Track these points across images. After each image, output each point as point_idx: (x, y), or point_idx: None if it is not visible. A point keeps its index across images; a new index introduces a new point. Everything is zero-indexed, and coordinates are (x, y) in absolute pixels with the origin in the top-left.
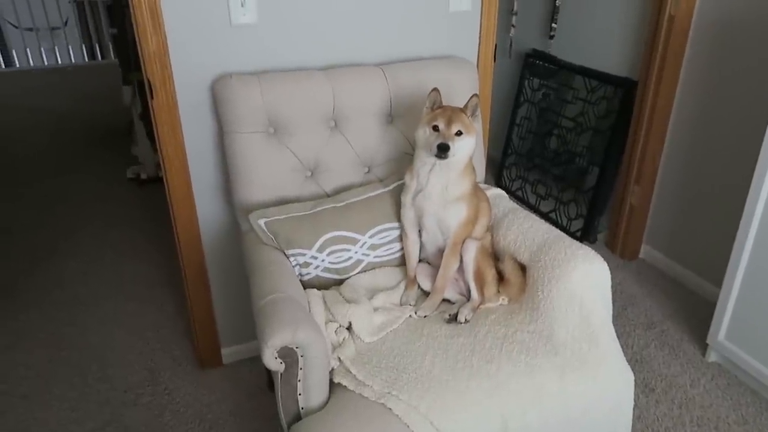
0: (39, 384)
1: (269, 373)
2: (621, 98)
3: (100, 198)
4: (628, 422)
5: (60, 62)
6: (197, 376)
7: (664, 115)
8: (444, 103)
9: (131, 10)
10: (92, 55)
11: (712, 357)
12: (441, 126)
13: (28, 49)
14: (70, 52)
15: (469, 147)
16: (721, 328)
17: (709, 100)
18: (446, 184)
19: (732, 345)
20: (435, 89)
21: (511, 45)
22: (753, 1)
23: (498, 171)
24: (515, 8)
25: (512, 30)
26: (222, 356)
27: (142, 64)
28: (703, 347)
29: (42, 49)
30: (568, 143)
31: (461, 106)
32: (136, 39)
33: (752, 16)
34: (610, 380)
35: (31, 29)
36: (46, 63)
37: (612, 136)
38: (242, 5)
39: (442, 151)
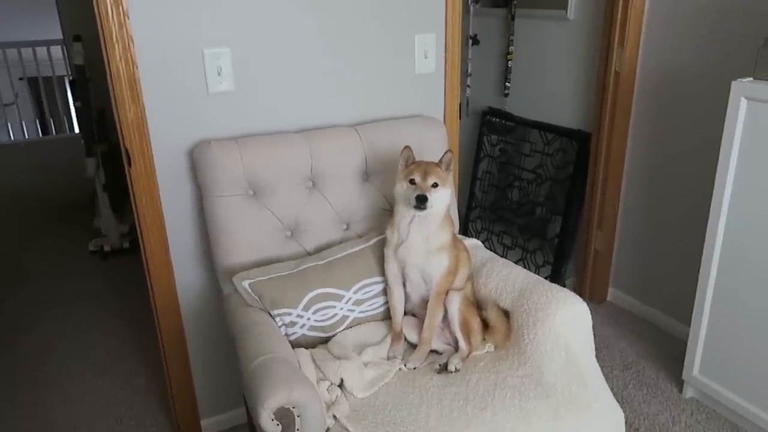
0: None
1: None
2: (577, 149)
3: (61, 273)
4: None
5: (13, 138)
6: None
7: (619, 163)
8: (416, 159)
9: (109, 82)
10: (45, 130)
11: (689, 393)
12: (417, 179)
13: None
14: (23, 128)
15: (446, 198)
16: (695, 363)
17: (660, 147)
18: (427, 235)
19: (706, 379)
20: (407, 147)
21: (467, 104)
22: (689, 57)
23: (464, 224)
24: (469, 69)
25: (468, 90)
26: (201, 427)
27: (119, 133)
28: (680, 384)
29: None
30: (529, 194)
31: (435, 161)
32: (114, 109)
33: (691, 69)
34: (601, 419)
35: None
36: None
37: (571, 185)
38: (219, 74)
39: (421, 202)
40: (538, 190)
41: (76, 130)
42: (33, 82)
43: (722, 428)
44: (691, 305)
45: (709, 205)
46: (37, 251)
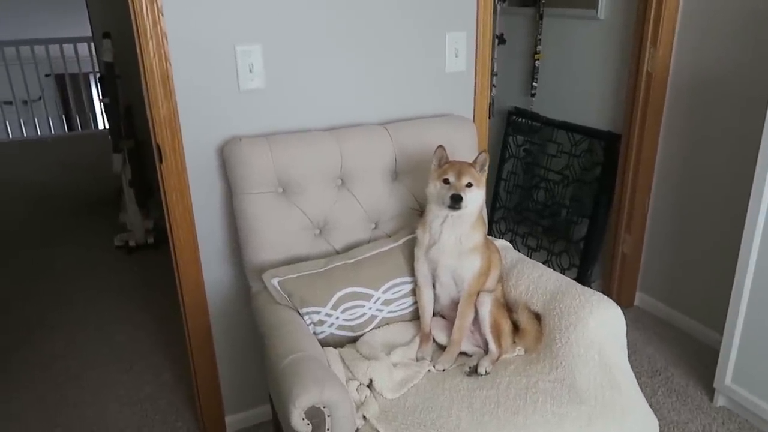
0: None
1: None
2: (605, 150)
3: (87, 267)
4: None
5: (39, 134)
6: None
7: (649, 164)
8: (449, 159)
9: (143, 79)
10: (71, 126)
11: (719, 401)
12: (452, 179)
13: (7, 122)
14: (49, 124)
15: (480, 199)
16: (727, 372)
17: (693, 149)
18: (459, 236)
19: (739, 388)
20: (440, 146)
21: (492, 104)
22: (723, 57)
23: (488, 225)
24: (495, 69)
25: (493, 90)
26: (226, 424)
27: (151, 129)
28: (710, 392)
29: (21, 121)
30: (555, 195)
31: (469, 161)
32: (147, 105)
33: (724, 70)
34: (635, 426)
35: (9, 102)
36: (25, 135)
37: (599, 187)
38: (250, 71)
39: (455, 201)
40: (564, 191)
41: (101, 126)
42: (59, 79)
43: None
44: (722, 311)
45: (745, 210)
46: (63, 245)
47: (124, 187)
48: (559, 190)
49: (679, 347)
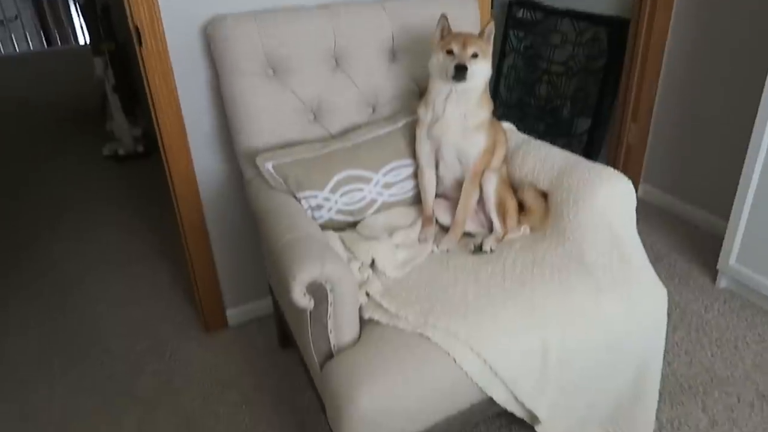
0: (38, 366)
1: (280, 330)
2: (611, 37)
3: (78, 179)
4: (662, 341)
5: (18, 51)
6: (204, 339)
7: (658, 51)
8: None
9: None
10: (50, 42)
11: (722, 283)
12: (456, 49)
13: None
14: (28, 41)
15: (486, 71)
16: (732, 252)
17: (705, 32)
18: (464, 112)
19: (743, 267)
20: (443, 16)
21: None
22: None
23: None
24: None
25: None
26: (227, 318)
27: (128, 10)
28: (712, 275)
29: None
30: (558, 88)
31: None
32: None
33: None
34: (644, 297)
35: None
36: (2, 52)
37: (604, 76)
38: None
39: (460, 72)
40: (567, 84)
41: (81, 41)
42: None
43: (757, 315)
44: (728, 198)
45: (758, 95)
46: (52, 158)
47: (108, 94)
48: (562, 83)
49: (683, 235)
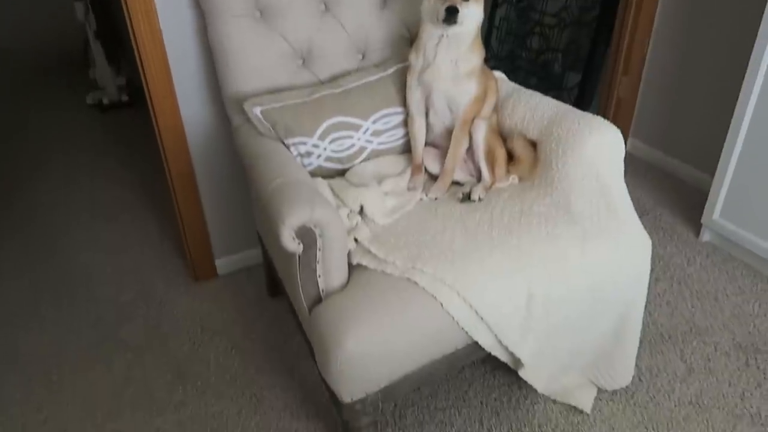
0: (26, 309)
1: (269, 279)
2: None
3: (61, 127)
4: (644, 290)
5: None
6: (192, 288)
7: (652, 2)
8: None
9: None
10: None
11: (705, 237)
12: None
13: None
14: None
15: (478, 15)
16: (717, 206)
17: None
18: (455, 58)
19: (727, 222)
20: None
21: None
22: None
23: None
24: None
25: None
26: (216, 267)
27: None
28: (697, 229)
29: None
30: (550, 41)
31: None
32: None
33: None
34: (629, 246)
35: None
36: None
37: (597, 27)
38: None
39: (451, 14)
40: (560, 36)
41: None
42: None
43: (737, 268)
44: (715, 153)
45: (747, 52)
46: (34, 106)
47: (90, 40)
48: (555, 35)
49: (669, 190)
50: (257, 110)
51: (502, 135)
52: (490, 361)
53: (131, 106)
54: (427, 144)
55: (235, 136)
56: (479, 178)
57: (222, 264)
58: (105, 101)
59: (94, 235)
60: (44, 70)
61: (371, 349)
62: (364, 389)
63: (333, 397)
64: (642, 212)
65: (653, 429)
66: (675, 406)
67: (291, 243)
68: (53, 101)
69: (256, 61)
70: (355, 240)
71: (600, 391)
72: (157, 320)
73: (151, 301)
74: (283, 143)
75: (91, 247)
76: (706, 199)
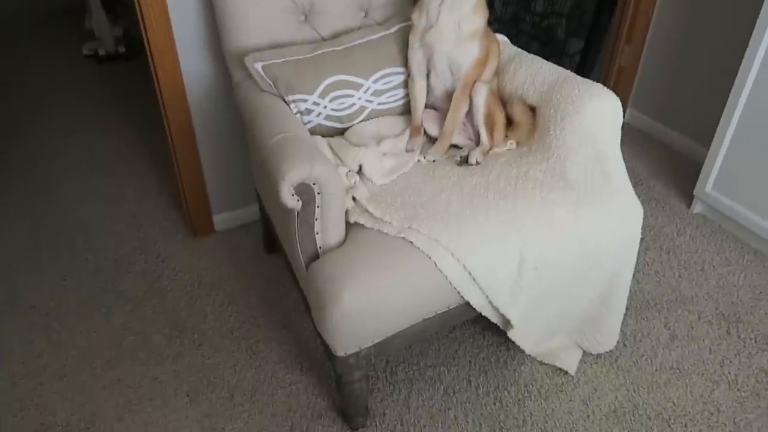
0: (24, 256)
1: (267, 236)
2: None
3: (57, 78)
4: (633, 257)
5: None
6: (190, 243)
7: None
8: None
9: None
10: None
11: (696, 209)
12: None
13: None
14: None
15: None
16: (709, 179)
17: None
18: (458, 20)
19: (719, 194)
20: None
21: None
22: None
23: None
24: None
25: None
26: (214, 223)
27: None
28: (688, 201)
29: None
30: (555, 4)
31: None
32: None
33: None
34: (621, 214)
35: None
36: None
37: None
38: None
39: None
40: (564, 0)
41: None
42: None
43: (726, 241)
44: (711, 126)
45: (751, 24)
46: (28, 57)
47: None
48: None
49: (664, 161)
50: (258, 65)
51: (502, 99)
52: (480, 321)
53: (128, 59)
54: (427, 106)
55: (235, 91)
56: (477, 142)
57: (220, 220)
58: (101, 52)
59: (92, 186)
60: (39, 18)
61: (366, 305)
62: (358, 344)
63: (327, 351)
64: (636, 182)
65: (634, 392)
66: (656, 370)
67: (290, 199)
68: (49, 50)
69: (258, 15)
70: (353, 199)
71: (585, 354)
72: (154, 274)
73: (149, 254)
74: (284, 100)
75: (88, 199)
76: (700, 170)
